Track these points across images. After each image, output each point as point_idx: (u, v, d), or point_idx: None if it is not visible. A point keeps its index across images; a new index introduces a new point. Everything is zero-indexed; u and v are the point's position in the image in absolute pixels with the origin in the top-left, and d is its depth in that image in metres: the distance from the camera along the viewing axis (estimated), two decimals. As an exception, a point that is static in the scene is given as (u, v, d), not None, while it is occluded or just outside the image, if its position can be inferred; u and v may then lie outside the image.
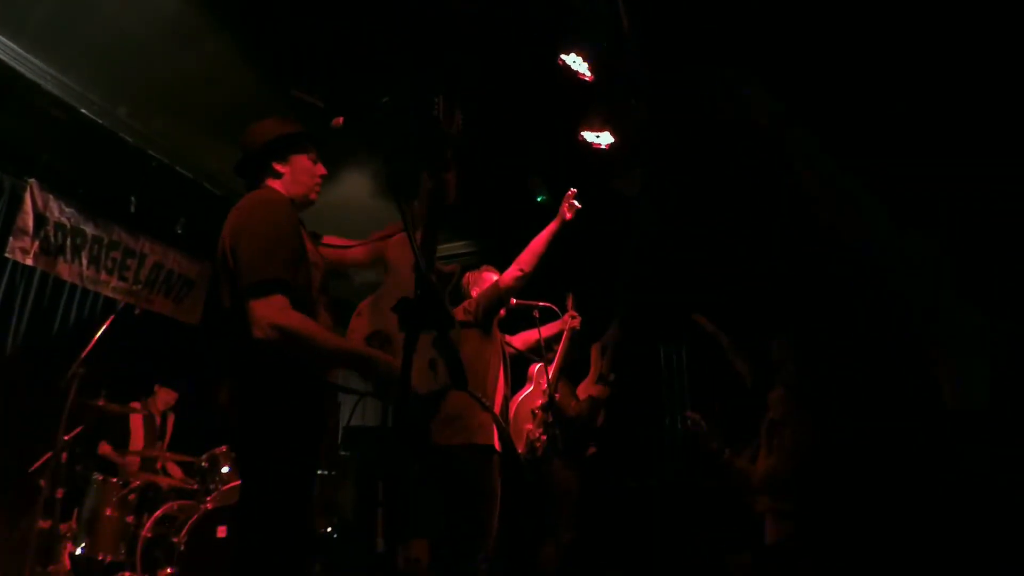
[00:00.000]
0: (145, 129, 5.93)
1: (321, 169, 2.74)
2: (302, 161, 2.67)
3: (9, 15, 4.74)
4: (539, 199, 5.39)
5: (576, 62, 4.63)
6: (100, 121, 5.66)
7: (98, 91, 5.50)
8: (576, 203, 3.98)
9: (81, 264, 6.12)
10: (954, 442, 3.50)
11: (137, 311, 4.80)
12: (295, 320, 2.24)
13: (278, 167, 2.63)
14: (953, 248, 3.81)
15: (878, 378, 3.81)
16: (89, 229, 6.20)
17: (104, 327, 4.32)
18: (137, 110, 5.72)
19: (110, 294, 6.39)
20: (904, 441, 3.70)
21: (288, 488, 2.30)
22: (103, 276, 6.37)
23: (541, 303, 4.68)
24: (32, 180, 5.65)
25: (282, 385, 2.30)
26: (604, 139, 5.19)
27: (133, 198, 6.38)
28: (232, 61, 5.05)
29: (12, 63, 5.07)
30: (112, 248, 6.44)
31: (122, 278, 6.54)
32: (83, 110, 5.53)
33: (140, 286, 6.69)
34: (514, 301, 4.52)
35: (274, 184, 2.62)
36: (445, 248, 7.38)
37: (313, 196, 2.74)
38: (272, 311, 2.20)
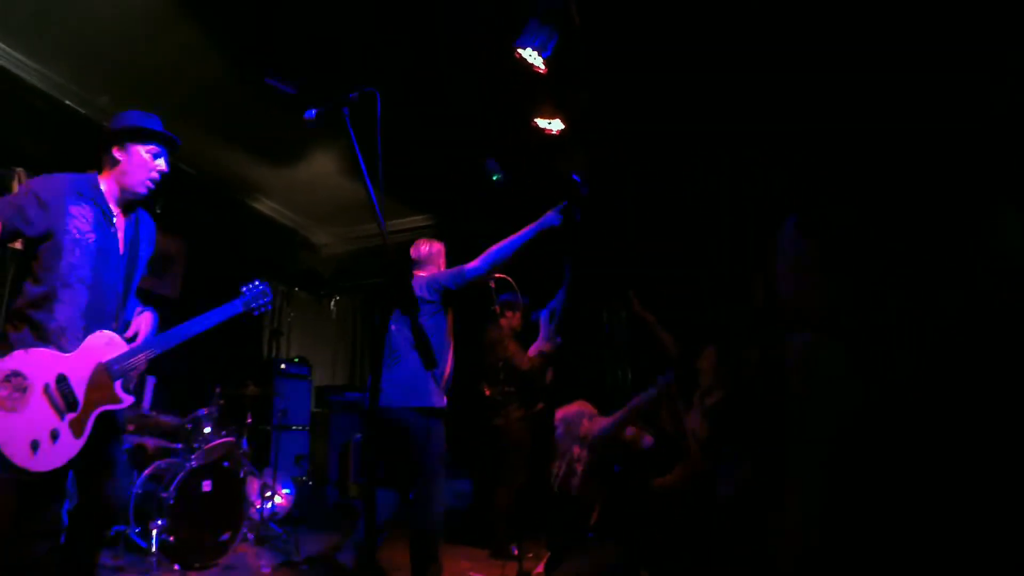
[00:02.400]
0: (124, 116, 6.21)
1: (160, 166, 2.97)
2: (139, 154, 2.93)
3: (-6, 10, 4.99)
4: (494, 178, 5.73)
5: (531, 55, 5.00)
6: (82, 111, 5.98)
7: (79, 82, 5.80)
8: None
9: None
10: None
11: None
12: None
13: (117, 153, 2.92)
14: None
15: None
16: (72, 213, 6.47)
17: None
18: (116, 98, 5.97)
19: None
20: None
21: None
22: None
23: (497, 274, 5.06)
24: (19, 169, 5.87)
25: None
26: (555, 125, 5.61)
27: (114, 181, 6.65)
28: (205, 49, 5.31)
29: (-2, 59, 5.36)
30: (95, 228, 6.74)
31: (105, 256, 6.84)
32: (66, 101, 5.84)
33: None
34: None
35: (107, 173, 2.93)
36: (406, 222, 7.83)
37: (142, 189, 2.94)
38: None
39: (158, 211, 7.11)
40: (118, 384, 2.83)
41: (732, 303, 5.00)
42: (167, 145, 3.04)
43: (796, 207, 3.71)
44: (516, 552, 4.70)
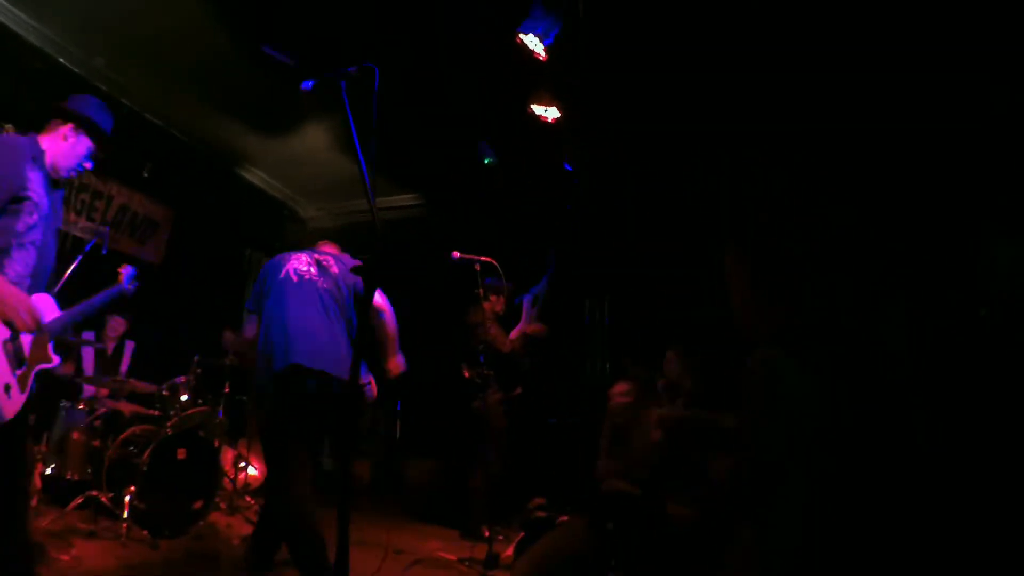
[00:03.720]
0: (119, 78, 6.17)
1: (89, 166, 3.08)
2: (85, 145, 3.04)
3: (-5, -30, 4.94)
4: (486, 161, 5.72)
5: (532, 41, 4.98)
6: (76, 70, 5.92)
7: (76, 42, 5.73)
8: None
9: (52, 205, 6.36)
10: None
11: (104, 251, 5.00)
12: None
13: (69, 133, 3.02)
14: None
15: None
16: (60, 173, 6.43)
17: (72, 266, 4.20)
18: (112, 61, 5.94)
19: (78, 234, 6.65)
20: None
21: None
22: (72, 217, 6.66)
23: (483, 258, 5.12)
24: (8, 125, 5.81)
25: None
26: (551, 113, 5.60)
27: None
28: (204, 18, 5.25)
29: (-3, 15, 5.28)
30: (81, 190, 6.73)
31: (90, 219, 6.84)
32: (61, 60, 5.78)
33: (108, 227, 6.95)
34: (457, 255, 4.99)
35: (49, 143, 2.99)
36: (395, 200, 7.78)
37: (66, 175, 3.02)
38: None
39: (146, 175, 7.08)
40: (51, 345, 2.93)
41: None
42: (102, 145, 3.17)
43: (732, 237, 3.79)
44: (487, 534, 4.74)
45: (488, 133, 5.93)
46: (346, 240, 7.78)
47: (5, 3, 5.27)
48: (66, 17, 5.44)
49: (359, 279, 3.56)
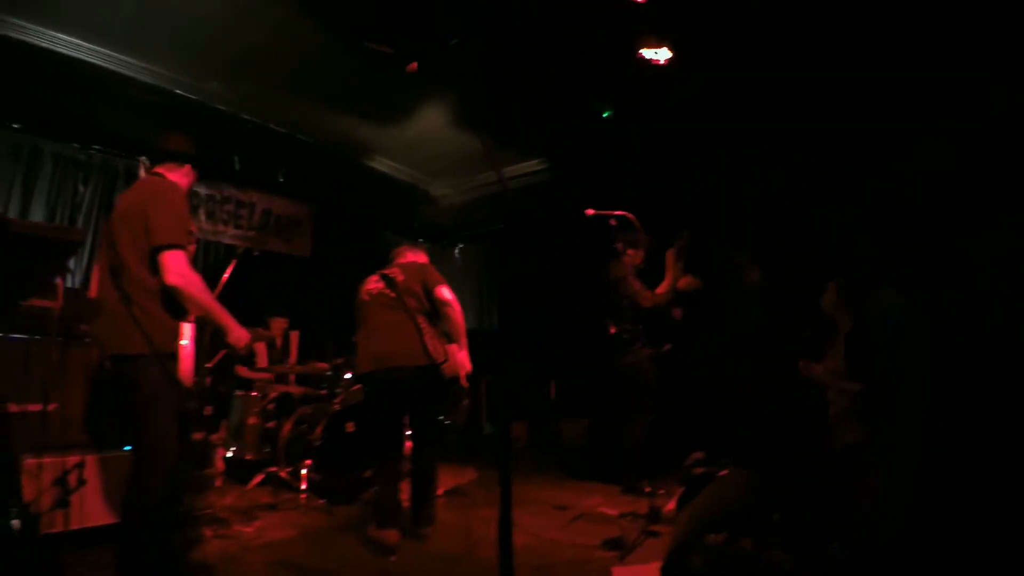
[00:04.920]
0: (235, 97, 6.54)
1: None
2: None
3: (94, 22, 5.33)
4: (604, 115, 5.59)
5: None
6: (194, 97, 6.32)
7: (187, 72, 6.11)
8: None
9: (199, 220, 6.97)
10: None
11: (256, 253, 5.33)
12: (195, 276, 2.96)
13: (192, 171, 3.45)
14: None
15: None
16: (202, 190, 7.08)
17: (228, 271, 4.53)
18: (225, 82, 6.28)
19: (229, 241, 7.21)
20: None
21: None
22: (220, 227, 7.22)
23: (617, 212, 5.06)
24: (143, 158, 6.33)
25: None
26: (663, 55, 5.38)
27: (236, 157, 7.07)
28: (301, 25, 5.36)
29: (104, 64, 5.76)
30: (225, 202, 7.30)
31: (237, 226, 7.39)
32: (177, 91, 6.19)
33: (255, 231, 7.51)
34: (591, 212, 4.98)
35: (183, 181, 3.38)
36: (520, 168, 7.77)
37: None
38: (182, 265, 2.92)
39: (281, 180, 7.54)
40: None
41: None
42: None
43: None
44: (648, 489, 4.71)
45: (602, 87, 5.79)
46: (477, 213, 7.90)
47: (111, 52, 5.70)
48: (171, 52, 5.78)
49: (428, 278, 4.30)
